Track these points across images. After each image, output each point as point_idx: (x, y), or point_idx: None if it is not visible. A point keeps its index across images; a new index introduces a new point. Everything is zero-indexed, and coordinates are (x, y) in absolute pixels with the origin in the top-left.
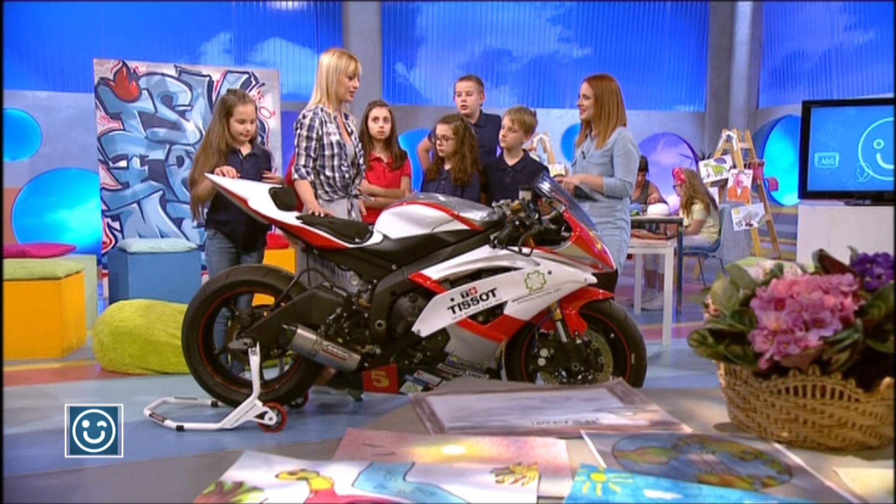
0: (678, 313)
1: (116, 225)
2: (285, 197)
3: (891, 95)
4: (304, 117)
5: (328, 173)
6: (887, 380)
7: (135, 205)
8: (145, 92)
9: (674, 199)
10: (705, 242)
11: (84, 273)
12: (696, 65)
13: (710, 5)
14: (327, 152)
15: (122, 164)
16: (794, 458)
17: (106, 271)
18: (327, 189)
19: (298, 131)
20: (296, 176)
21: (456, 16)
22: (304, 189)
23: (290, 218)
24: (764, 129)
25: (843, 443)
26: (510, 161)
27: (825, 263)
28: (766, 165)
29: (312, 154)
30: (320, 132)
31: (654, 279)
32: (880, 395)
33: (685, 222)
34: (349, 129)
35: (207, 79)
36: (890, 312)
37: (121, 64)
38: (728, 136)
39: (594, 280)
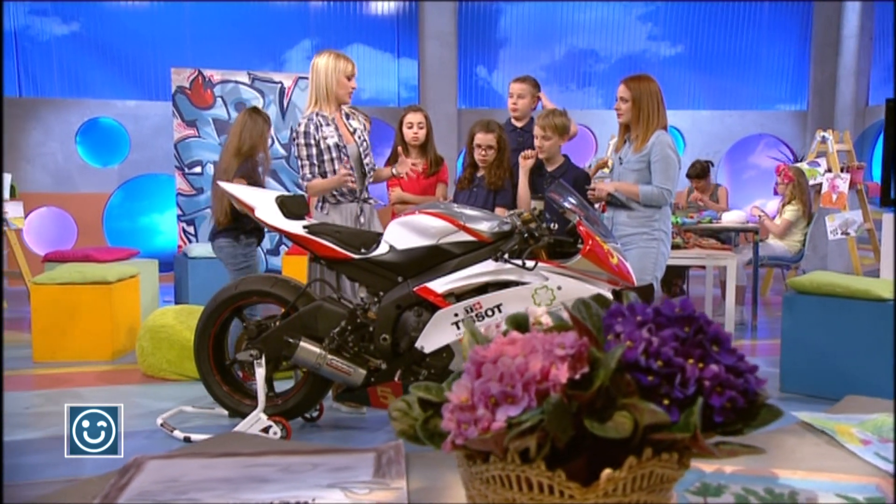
0: (753, 329)
1: (191, 229)
2: (293, 205)
3: None
4: (298, 126)
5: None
6: (606, 472)
7: (208, 210)
8: (219, 99)
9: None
10: (786, 252)
11: (140, 277)
12: (798, 60)
13: None
14: (325, 157)
15: (197, 169)
16: None
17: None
18: (334, 192)
19: (296, 141)
20: (304, 183)
21: (539, 16)
22: (315, 185)
23: (296, 227)
24: (873, 128)
25: None
26: (549, 167)
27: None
28: (873, 168)
29: (315, 161)
30: (317, 137)
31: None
32: (601, 489)
33: (776, 221)
34: (351, 129)
35: (279, 85)
36: (607, 383)
37: (197, 72)
38: (823, 137)
39: (609, 297)
